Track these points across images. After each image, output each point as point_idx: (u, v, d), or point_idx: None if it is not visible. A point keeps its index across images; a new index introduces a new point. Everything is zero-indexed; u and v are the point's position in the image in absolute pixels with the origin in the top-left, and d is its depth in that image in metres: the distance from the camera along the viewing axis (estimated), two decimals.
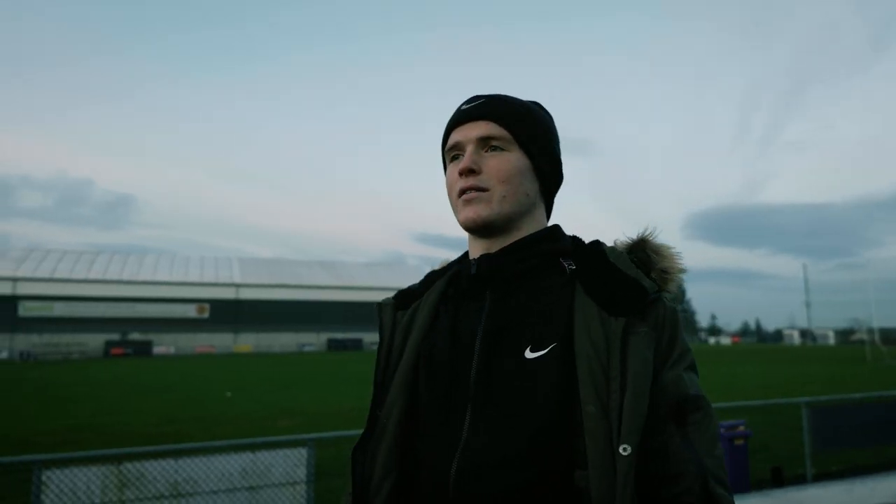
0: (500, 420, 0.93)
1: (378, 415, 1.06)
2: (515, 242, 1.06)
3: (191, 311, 68.11)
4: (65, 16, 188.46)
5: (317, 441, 5.71)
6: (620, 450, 0.85)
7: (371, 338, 71.92)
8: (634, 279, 0.97)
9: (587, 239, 1.12)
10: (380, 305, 1.20)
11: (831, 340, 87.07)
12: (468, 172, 1.04)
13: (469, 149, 1.06)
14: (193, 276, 70.11)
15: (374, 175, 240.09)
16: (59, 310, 62.29)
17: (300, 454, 5.48)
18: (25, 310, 61.14)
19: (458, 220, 1.07)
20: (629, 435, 0.85)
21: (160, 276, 68.39)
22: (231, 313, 69.46)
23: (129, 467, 4.84)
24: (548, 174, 1.11)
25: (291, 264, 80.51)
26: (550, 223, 1.15)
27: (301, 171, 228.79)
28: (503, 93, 1.13)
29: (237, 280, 71.67)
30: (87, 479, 4.66)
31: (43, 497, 4.47)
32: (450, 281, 1.13)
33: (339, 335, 70.89)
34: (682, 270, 1.04)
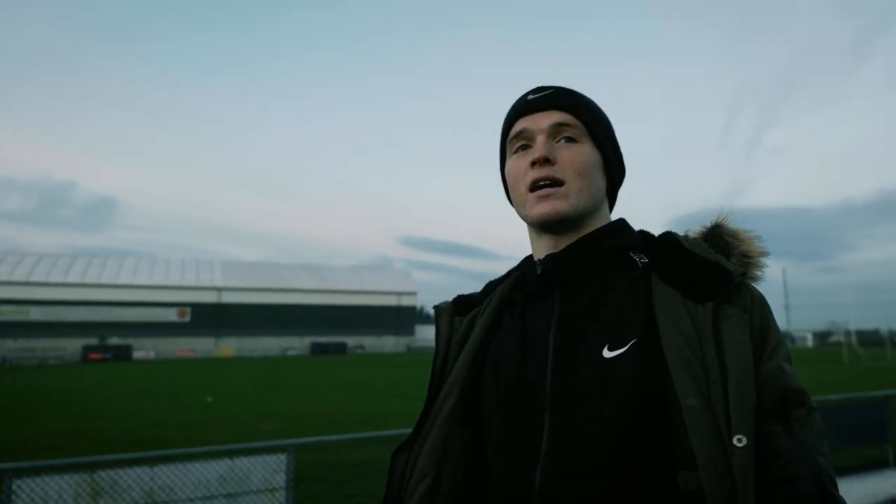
0: (583, 425, 0.87)
1: (425, 421, 1.03)
2: (581, 238, 1.00)
3: (171, 315, 67.27)
4: (52, 18, 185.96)
5: (296, 447, 5.65)
6: (735, 441, 0.77)
7: (354, 342, 71.68)
8: (717, 262, 0.92)
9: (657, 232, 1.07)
10: (437, 309, 1.15)
11: (809, 342, 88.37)
12: (543, 162, 0.97)
13: (540, 138, 0.99)
14: (174, 280, 69.29)
15: (361, 178, 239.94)
16: (36, 314, 61.17)
17: (279, 460, 5.41)
18: (0, 314, 59.96)
19: (529, 215, 1.00)
20: (742, 424, 0.78)
21: (140, 280, 67.50)
22: (213, 317, 68.75)
23: (103, 475, 4.74)
24: (615, 169, 1.07)
25: (275, 268, 79.91)
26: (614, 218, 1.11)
27: (287, 174, 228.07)
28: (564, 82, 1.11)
29: (219, 283, 70.97)
30: (59, 487, 4.55)
31: None
32: (514, 285, 1.08)
33: (323, 339, 70.47)
34: (764, 254, 0.99)
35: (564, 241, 1.01)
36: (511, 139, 1.04)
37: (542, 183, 0.98)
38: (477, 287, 1.19)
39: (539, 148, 0.98)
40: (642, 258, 1.00)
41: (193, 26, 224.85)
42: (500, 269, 1.18)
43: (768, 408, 0.82)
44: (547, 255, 1.01)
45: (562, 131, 1.00)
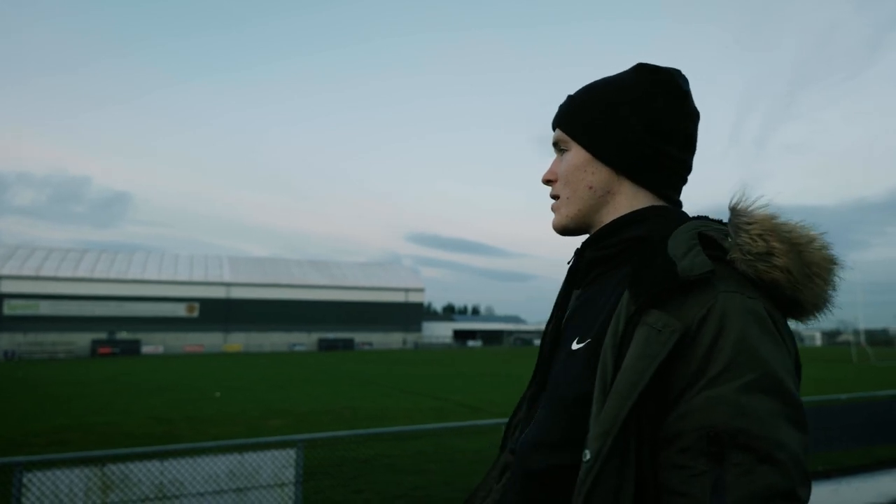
0: (547, 407, 0.94)
1: (536, 373, 1.15)
2: (597, 231, 1.02)
3: (180, 311, 67.64)
4: (68, 17, 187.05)
5: (306, 442, 5.67)
6: (583, 454, 0.75)
7: (362, 338, 71.83)
8: (669, 260, 0.81)
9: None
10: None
11: (818, 341, 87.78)
12: (546, 184, 1.09)
13: (554, 160, 1.09)
14: (183, 275, 69.65)
15: (371, 175, 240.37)
16: (45, 308, 61.65)
17: (288, 455, 5.43)
18: (10, 308, 60.45)
19: None
20: (593, 439, 0.74)
21: (149, 275, 67.87)
22: (221, 313, 69.07)
23: (113, 469, 4.77)
24: (616, 155, 0.98)
25: (283, 263, 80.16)
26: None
27: (297, 170, 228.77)
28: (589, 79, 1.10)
29: (227, 279, 71.27)
30: (69, 481, 4.59)
31: (24, 500, 4.39)
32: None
33: (331, 335, 70.70)
34: (775, 248, 0.79)
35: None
36: None
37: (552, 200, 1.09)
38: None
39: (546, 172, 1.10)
40: None
41: (205, 26, 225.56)
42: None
43: (693, 439, 0.72)
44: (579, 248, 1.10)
45: (559, 147, 1.07)
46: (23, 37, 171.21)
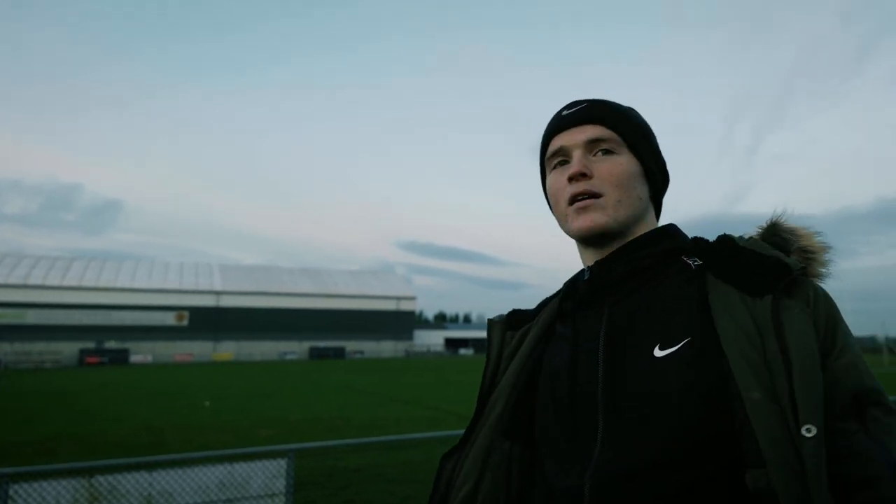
0: (637, 427, 0.85)
1: (475, 427, 1.06)
2: (629, 243, 1.00)
3: (169, 319, 67.13)
4: (63, 23, 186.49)
5: (297, 452, 5.63)
6: (804, 431, 0.74)
7: (353, 346, 71.53)
8: (775, 257, 0.90)
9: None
10: (490, 322, 1.16)
11: None
12: (580, 177, 0.98)
13: (577, 153, 1.00)
14: (173, 284, 69.19)
15: (363, 183, 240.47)
16: (32, 317, 61.00)
17: (279, 465, 5.38)
18: None
19: (570, 230, 1.01)
20: (810, 414, 0.75)
21: (138, 284, 67.37)
22: (211, 321, 68.61)
23: (101, 480, 4.71)
24: (657, 177, 1.05)
25: (274, 271, 79.83)
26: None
27: (290, 178, 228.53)
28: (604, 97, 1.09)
29: (217, 287, 70.85)
30: (56, 492, 4.53)
31: None
32: (565, 295, 1.08)
33: (322, 343, 70.36)
34: (825, 249, 0.96)
35: (609, 251, 1.01)
36: (549, 156, 1.05)
37: (580, 197, 0.98)
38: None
39: (575, 163, 0.99)
40: (696, 261, 0.98)
41: (200, 32, 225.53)
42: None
43: (842, 405, 0.79)
44: (595, 262, 1.02)
45: (598, 145, 1.00)
46: (15, 43, 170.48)
